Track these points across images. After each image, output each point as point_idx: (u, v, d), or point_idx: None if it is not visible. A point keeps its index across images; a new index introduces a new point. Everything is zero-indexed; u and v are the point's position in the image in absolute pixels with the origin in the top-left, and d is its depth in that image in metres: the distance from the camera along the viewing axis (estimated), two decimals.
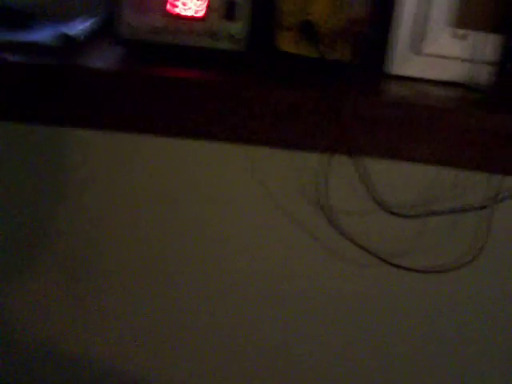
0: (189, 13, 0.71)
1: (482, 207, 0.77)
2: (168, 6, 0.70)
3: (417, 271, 0.79)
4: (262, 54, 0.78)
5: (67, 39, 0.72)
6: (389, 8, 0.74)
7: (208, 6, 0.71)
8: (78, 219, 0.78)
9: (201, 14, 0.71)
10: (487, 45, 0.74)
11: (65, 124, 0.73)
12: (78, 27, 0.76)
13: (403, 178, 0.76)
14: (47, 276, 0.81)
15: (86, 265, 0.80)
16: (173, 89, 0.67)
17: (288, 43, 0.74)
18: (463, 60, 0.75)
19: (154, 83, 0.67)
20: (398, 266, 0.79)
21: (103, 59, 0.70)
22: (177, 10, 0.71)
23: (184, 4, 0.71)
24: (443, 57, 0.75)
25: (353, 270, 0.81)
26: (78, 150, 0.76)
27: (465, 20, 0.74)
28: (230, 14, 0.71)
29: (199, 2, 0.71)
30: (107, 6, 0.82)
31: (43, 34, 0.73)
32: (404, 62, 0.75)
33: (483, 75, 0.75)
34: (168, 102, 0.68)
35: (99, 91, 0.67)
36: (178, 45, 0.72)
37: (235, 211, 0.77)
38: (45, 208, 0.78)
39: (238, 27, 0.71)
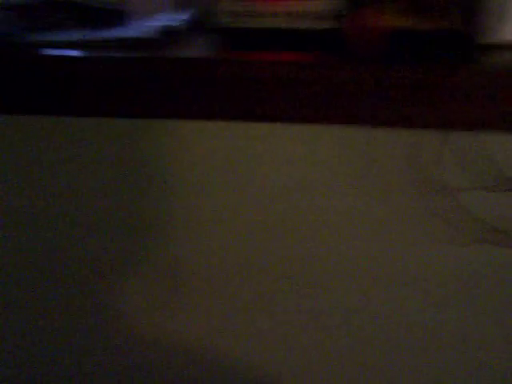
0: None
1: None
2: None
3: None
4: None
5: (166, 31, 0.73)
6: None
7: None
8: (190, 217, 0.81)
9: None
10: None
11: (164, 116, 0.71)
12: (174, 19, 0.77)
13: None
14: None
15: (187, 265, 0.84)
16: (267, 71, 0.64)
17: (391, 14, 0.68)
18: None
19: (246, 68, 0.65)
20: None
21: (200, 48, 0.71)
22: None
23: None
24: None
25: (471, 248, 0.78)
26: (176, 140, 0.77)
27: None
28: None
29: None
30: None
31: (138, 29, 0.74)
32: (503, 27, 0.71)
33: None
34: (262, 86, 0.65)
35: (193, 80, 0.66)
36: (279, 28, 0.70)
37: (337, 196, 0.77)
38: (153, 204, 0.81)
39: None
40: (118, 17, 0.80)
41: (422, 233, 0.77)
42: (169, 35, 0.74)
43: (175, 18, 0.78)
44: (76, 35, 0.75)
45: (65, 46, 0.71)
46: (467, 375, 0.85)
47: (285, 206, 0.77)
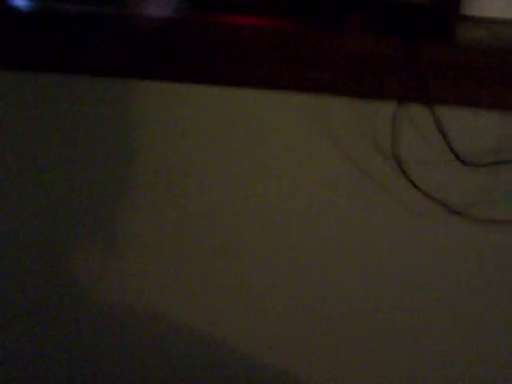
0: None
1: None
2: None
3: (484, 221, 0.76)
4: None
5: None
6: None
7: None
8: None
9: None
10: None
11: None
12: None
13: (478, 127, 0.73)
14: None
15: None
16: (237, 35, 0.66)
17: None
18: None
19: (214, 30, 0.66)
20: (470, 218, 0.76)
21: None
22: None
23: None
24: None
25: (422, 220, 0.78)
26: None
27: None
28: None
29: None
30: None
31: None
32: (481, 1, 0.71)
33: None
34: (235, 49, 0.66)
35: (161, 41, 0.67)
36: None
37: (304, 162, 0.76)
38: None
39: None
40: None
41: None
42: None
43: None
44: None
45: None
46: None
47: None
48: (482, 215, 0.75)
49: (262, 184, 0.76)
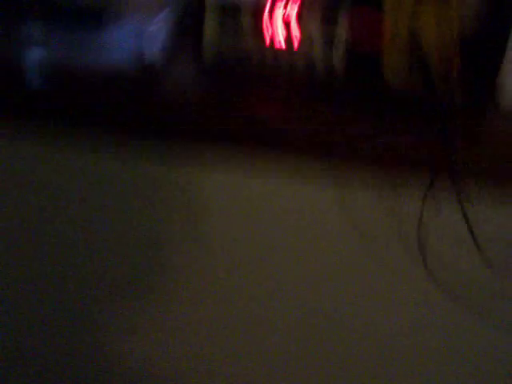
0: (279, 42, 0.69)
1: None
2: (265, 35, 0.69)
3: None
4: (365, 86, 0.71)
5: (144, 64, 0.71)
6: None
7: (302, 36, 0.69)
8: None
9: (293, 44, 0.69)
10: None
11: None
12: (155, 36, 0.74)
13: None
14: None
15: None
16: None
17: (393, 72, 0.67)
18: None
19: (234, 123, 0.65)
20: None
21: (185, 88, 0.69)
22: (268, 39, 0.69)
23: (274, 32, 0.69)
24: None
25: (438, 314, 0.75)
26: None
27: None
28: (329, 22, 0.68)
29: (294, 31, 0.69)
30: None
31: (117, 51, 0.71)
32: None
33: None
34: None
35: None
36: (267, 74, 0.70)
37: (321, 247, 0.74)
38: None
39: (337, 56, 0.69)
40: (96, 17, 0.75)
41: None
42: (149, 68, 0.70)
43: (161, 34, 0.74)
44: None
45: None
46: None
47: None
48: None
49: (273, 260, 0.75)
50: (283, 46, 0.69)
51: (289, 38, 0.69)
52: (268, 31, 0.69)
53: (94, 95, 0.67)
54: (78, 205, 0.74)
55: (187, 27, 0.75)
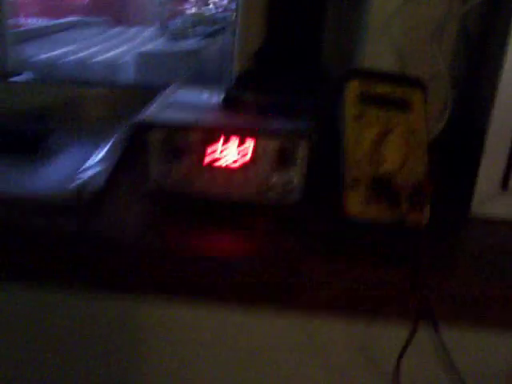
0: (229, 162, 0.65)
1: None
2: (206, 155, 0.65)
3: None
4: (321, 211, 0.68)
5: (81, 194, 0.66)
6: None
7: (256, 152, 0.65)
8: None
9: (243, 162, 0.65)
10: None
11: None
12: (93, 167, 0.70)
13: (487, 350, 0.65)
14: None
15: None
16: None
17: (355, 203, 0.63)
18: None
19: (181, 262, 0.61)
20: None
21: (126, 222, 0.65)
22: (215, 160, 0.65)
23: (223, 152, 0.65)
24: None
25: None
26: None
27: None
28: (284, 160, 0.65)
29: (246, 148, 0.65)
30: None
31: (51, 179, 0.68)
32: (490, 201, 0.71)
33: None
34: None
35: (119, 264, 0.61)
36: (218, 199, 0.66)
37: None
38: None
39: (291, 177, 0.65)
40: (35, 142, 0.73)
41: None
42: (86, 198, 0.66)
43: (100, 164, 0.71)
44: None
45: None
46: None
47: None
48: None
49: None
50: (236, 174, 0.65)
51: (244, 166, 0.64)
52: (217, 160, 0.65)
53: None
54: None
55: (130, 161, 0.70)
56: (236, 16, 0.96)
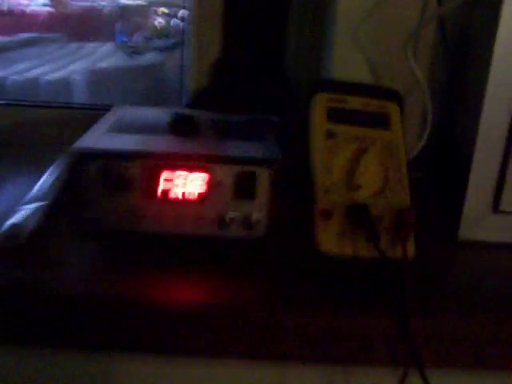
0: (183, 192, 0.56)
1: None
2: (154, 187, 0.55)
3: None
4: (289, 248, 0.59)
5: (13, 236, 0.57)
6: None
7: (211, 182, 0.56)
8: None
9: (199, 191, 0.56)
10: None
11: None
12: (29, 203, 0.62)
13: None
14: None
15: None
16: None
17: (328, 238, 0.54)
18: None
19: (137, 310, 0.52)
20: None
21: (68, 267, 0.56)
22: (165, 191, 0.56)
23: (175, 180, 0.55)
24: None
25: None
26: None
27: None
28: (244, 190, 0.56)
29: (199, 178, 0.56)
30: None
31: None
32: (480, 224, 0.64)
33: None
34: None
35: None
36: (170, 236, 0.57)
37: None
38: None
39: (252, 209, 0.56)
40: None
41: None
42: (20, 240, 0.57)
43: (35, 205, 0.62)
44: None
45: None
46: None
47: None
48: None
49: None
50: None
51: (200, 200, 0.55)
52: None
53: None
54: None
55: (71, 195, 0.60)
56: (188, 25, 0.87)
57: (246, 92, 0.84)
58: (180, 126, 0.62)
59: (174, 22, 1.59)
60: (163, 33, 1.44)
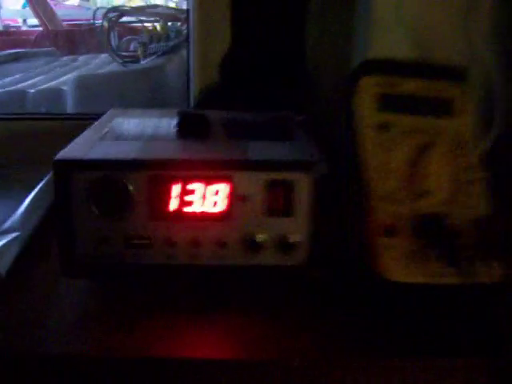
0: (200, 210, 0.43)
1: None
2: (169, 204, 0.43)
3: None
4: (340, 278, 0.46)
5: None
6: None
7: (235, 195, 0.43)
8: None
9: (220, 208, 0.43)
10: None
11: None
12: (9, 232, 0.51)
13: None
14: None
15: None
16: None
17: (392, 262, 0.41)
18: None
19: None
20: None
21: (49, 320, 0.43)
22: (181, 209, 0.43)
23: (189, 196, 0.43)
24: None
25: None
26: None
27: None
28: (277, 205, 0.43)
29: (220, 191, 0.43)
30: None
31: None
32: None
33: None
34: None
35: None
36: (188, 265, 0.44)
37: None
38: None
39: (290, 228, 0.43)
40: None
41: None
42: None
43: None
44: None
45: None
46: None
47: None
48: None
49: None
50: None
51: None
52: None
53: None
54: None
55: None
56: (190, 19, 0.76)
57: (257, 89, 0.72)
58: (191, 128, 0.49)
59: (172, 24, 1.48)
60: (161, 37, 1.33)
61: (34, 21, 2.97)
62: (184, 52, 1.37)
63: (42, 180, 0.61)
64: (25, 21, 3.53)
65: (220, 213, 0.42)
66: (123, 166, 0.42)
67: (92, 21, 2.19)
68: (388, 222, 0.41)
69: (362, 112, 0.45)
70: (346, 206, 0.43)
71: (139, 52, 1.31)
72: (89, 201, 0.42)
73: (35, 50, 2.10)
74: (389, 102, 0.46)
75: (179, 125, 0.50)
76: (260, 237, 0.42)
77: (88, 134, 0.50)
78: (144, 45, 1.31)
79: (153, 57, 1.27)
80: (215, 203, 0.42)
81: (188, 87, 0.81)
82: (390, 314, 0.41)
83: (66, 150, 0.44)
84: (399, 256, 0.40)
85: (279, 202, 0.42)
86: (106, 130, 0.51)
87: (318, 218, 0.42)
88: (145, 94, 1.08)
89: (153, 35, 1.32)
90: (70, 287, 0.46)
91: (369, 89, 0.46)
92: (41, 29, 2.73)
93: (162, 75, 1.14)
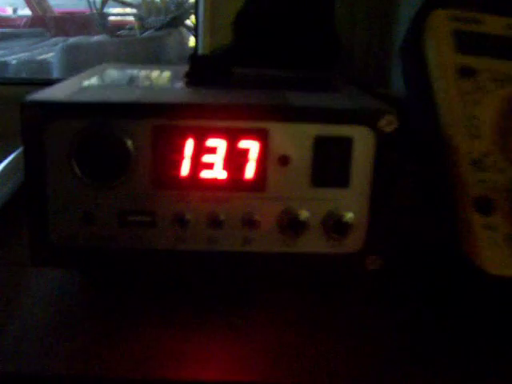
0: (222, 175, 0.32)
1: None
2: (181, 165, 0.31)
3: None
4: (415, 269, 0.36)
5: None
6: None
7: (270, 156, 0.31)
8: None
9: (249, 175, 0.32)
10: None
11: None
12: None
13: None
14: None
15: None
16: None
17: (493, 252, 0.30)
18: None
19: None
20: None
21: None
22: (197, 172, 0.32)
23: (207, 155, 0.32)
24: None
25: None
26: None
27: None
28: (329, 171, 0.31)
29: (250, 150, 0.31)
30: None
31: None
32: None
33: None
34: None
35: None
36: (205, 252, 0.33)
37: None
38: None
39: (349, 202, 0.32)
40: None
41: None
42: None
43: None
44: None
45: None
46: None
47: None
48: None
49: None
50: None
51: None
52: None
53: None
54: None
55: None
56: None
57: (277, 51, 0.61)
58: (207, 75, 0.38)
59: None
60: (160, 10, 1.22)
61: (24, 12, 2.89)
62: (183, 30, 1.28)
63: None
64: (15, 10, 3.45)
65: (249, 181, 0.31)
66: (118, 112, 0.31)
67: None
68: (483, 195, 0.30)
69: (438, 52, 0.34)
70: (421, 173, 0.32)
71: (136, 26, 1.20)
72: (70, 160, 0.31)
73: (23, 30, 2.00)
74: (470, 42, 0.35)
75: (192, 71, 0.39)
76: (304, 214, 0.31)
77: (72, 80, 0.38)
78: (141, 19, 1.20)
79: (151, 30, 1.16)
80: (243, 167, 0.31)
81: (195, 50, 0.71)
82: (492, 318, 0.30)
83: (40, 91, 0.33)
84: (499, 241, 0.29)
85: (331, 166, 0.31)
86: (97, 76, 0.40)
87: (382, 189, 0.31)
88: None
89: (151, 8, 1.21)
90: (40, 280, 0.34)
91: (444, 24, 0.35)
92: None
93: (159, 45, 1.03)
